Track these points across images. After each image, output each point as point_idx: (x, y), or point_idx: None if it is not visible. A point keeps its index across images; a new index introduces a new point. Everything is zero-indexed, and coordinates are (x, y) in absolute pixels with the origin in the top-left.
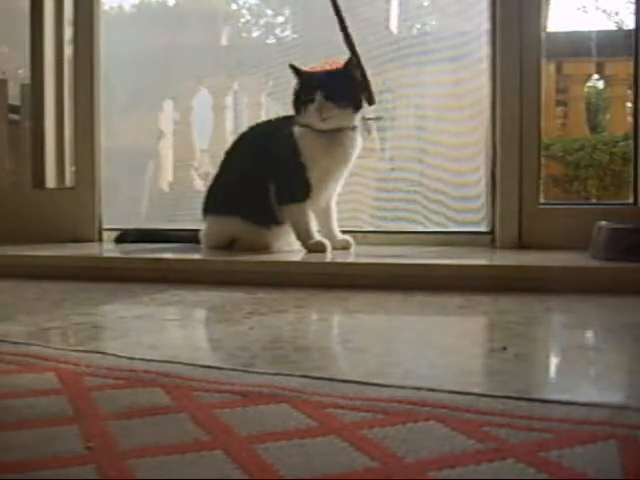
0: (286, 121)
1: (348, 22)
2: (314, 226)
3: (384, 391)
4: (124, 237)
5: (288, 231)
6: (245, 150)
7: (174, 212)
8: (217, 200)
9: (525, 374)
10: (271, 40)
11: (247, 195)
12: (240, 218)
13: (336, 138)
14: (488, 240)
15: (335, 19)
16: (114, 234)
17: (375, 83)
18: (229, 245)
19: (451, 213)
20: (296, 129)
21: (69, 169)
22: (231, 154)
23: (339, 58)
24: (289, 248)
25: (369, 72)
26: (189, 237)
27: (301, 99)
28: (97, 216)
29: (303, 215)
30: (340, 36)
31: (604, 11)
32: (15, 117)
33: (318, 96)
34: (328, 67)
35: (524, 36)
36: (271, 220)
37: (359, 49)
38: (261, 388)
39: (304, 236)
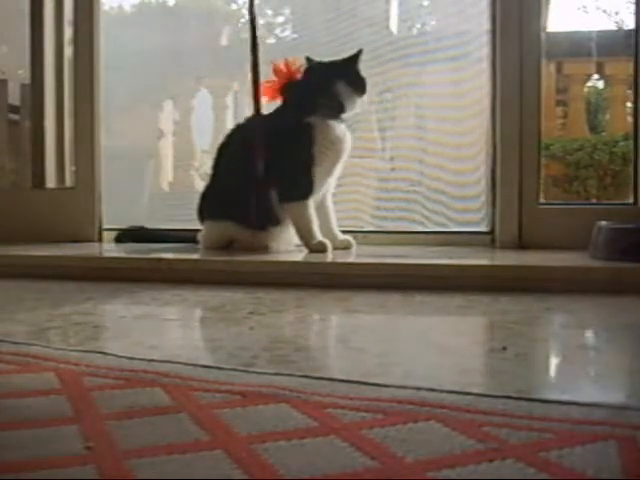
0: (280, 115)
1: (348, 22)
2: (317, 226)
3: (384, 391)
4: (122, 237)
5: (286, 231)
6: (236, 152)
7: (174, 212)
8: (213, 204)
9: (525, 374)
10: (271, 40)
11: (243, 198)
12: (237, 222)
13: (344, 130)
14: (488, 240)
15: (336, 19)
16: (114, 234)
17: (375, 83)
18: (227, 245)
19: (451, 213)
20: (312, 119)
21: (69, 169)
22: (221, 157)
23: (338, 58)
24: (288, 246)
25: (370, 72)
26: (188, 237)
27: (362, 86)
28: (97, 216)
29: (306, 214)
30: (340, 36)
31: (604, 11)
32: (15, 117)
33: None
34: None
35: (524, 36)
36: (269, 221)
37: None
38: (261, 388)
39: (307, 236)
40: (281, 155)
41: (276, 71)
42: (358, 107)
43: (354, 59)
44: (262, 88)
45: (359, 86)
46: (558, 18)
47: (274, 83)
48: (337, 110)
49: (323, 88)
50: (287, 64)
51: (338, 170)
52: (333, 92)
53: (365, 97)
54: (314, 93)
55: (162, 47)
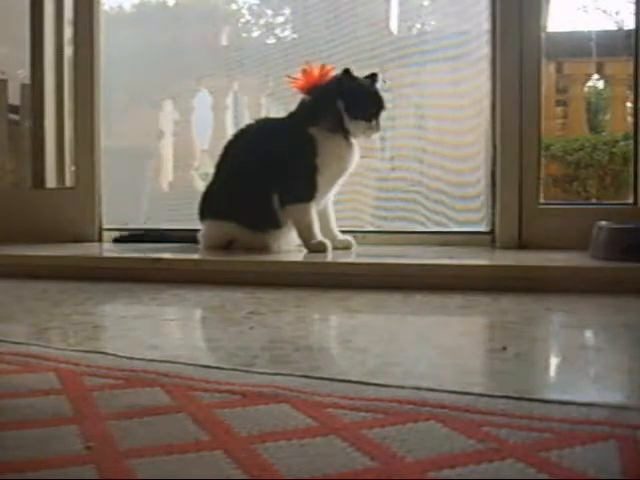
0: (287, 121)
1: (348, 22)
2: (317, 227)
3: (384, 391)
4: (121, 239)
5: (287, 233)
6: (242, 153)
7: (174, 212)
8: (214, 204)
9: (525, 374)
10: (271, 40)
11: (245, 199)
12: (238, 223)
13: (351, 145)
14: (488, 240)
15: (336, 18)
16: (114, 234)
17: None
18: (228, 245)
19: (451, 213)
20: (314, 130)
21: (69, 169)
22: (226, 156)
23: (338, 58)
24: (288, 247)
25: (369, 72)
26: (188, 237)
27: (361, 111)
28: (97, 216)
29: (307, 215)
30: (340, 35)
31: (604, 11)
32: (15, 117)
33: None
34: (317, 70)
35: (524, 36)
36: (270, 224)
37: (359, 49)
38: (261, 388)
39: (307, 236)
40: (284, 160)
41: (305, 71)
42: (364, 133)
43: (367, 82)
44: (293, 80)
45: (357, 113)
46: (558, 18)
47: (299, 80)
48: (339, 127)
49: (325, 102)
50: (322, 68)
51: (342, 179)
52: (333, 109)
53: (375, 124)
54: (318, 104)
55: (162, 47)
